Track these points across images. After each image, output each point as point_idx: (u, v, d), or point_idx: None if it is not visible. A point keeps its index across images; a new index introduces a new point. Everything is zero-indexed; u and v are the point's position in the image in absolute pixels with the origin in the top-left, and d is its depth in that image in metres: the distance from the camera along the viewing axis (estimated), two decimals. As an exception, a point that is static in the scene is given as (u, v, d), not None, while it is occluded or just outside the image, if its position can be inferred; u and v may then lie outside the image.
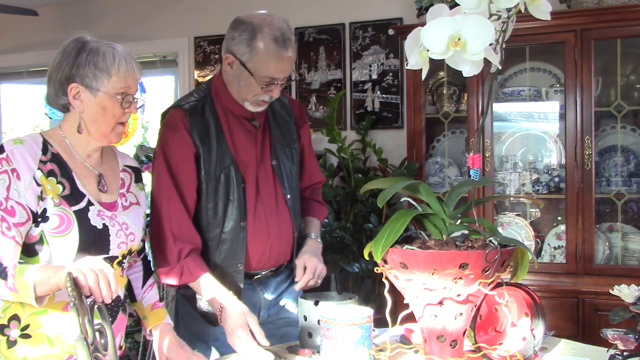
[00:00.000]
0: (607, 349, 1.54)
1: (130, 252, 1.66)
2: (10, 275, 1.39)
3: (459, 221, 1.47)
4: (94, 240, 1.55)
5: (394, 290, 1.47)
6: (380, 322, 1.68)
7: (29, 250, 1.53)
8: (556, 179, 3.08)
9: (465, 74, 1.21)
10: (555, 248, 3.06)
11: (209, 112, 1.90)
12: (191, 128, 1.85)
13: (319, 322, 1.58)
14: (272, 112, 2.00)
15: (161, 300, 1.81)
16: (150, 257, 1.87)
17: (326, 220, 3.16)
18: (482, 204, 2.94)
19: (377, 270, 1.47)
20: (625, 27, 2.82)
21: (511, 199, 3.20)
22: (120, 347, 1.71)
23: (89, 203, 1.57)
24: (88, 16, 4.50)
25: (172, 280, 1.83)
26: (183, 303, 2.02)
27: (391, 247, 1.36)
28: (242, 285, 1.90)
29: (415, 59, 1.26)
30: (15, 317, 1.53)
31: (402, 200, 1.58)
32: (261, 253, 1.92)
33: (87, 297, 1.33)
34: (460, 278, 1.32)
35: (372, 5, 3.73)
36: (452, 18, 1.18)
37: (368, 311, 1.51)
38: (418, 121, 3.18)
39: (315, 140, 3.00)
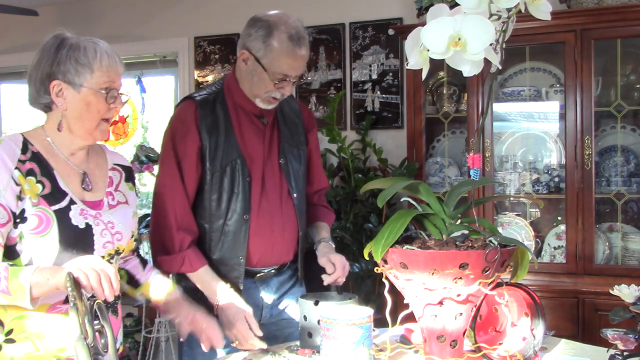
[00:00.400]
0: (607, 349, 1.54)
1: (118, 252, 1.62)
2: (2, 277, 1.37)
3: (459, 221, 1.47)
4: (75, 240, 1.51)
5: (394, 290, 1.47)
6: (380, 322, 1.68)
7: (9, 252, 1.49)
8: (556, 179, 3.08)
9: (465, 74, 1.21)
10: (555, 248, 3.06)
11: (219, 106, 1.93)
12: (200, 120, 1.89)
13: (319, 322, 1.58)
14: (281, 113, 2.03)
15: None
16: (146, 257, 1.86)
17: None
18: (482, 204, 2.94)
19: (377, 270, 1.47)
20: (625, 27, 2.81)
21: (511, 199, 3.20)
22: (117, 349, 1.68)
23: (71, 202, 1.54)
24: (88, 16, 4.50)
25: (170, 269, 1.87)
26: None
27: (391, 247, 1.36)
28: (241, 280, 1.91)
29: (416, 59, 1.26)
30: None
31: (402, 200, 1.58)
32: (264, 249, 1.93)
33: (89, 298, 1.33)
34: (460, 278, 1.32)
35: (372, 5, 3.73)
36: (452, 18, 1.18)
37: (368, 311, 1.51)
38: (418, 121, 3.18)
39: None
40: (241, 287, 1.91)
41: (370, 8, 3.73)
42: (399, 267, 1.37)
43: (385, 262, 1.41)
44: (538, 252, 3.11)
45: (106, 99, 1.55)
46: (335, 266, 1.91)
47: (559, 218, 3.12)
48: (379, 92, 3.71)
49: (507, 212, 3.23)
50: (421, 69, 1.28)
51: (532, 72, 3.22)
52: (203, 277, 1.87)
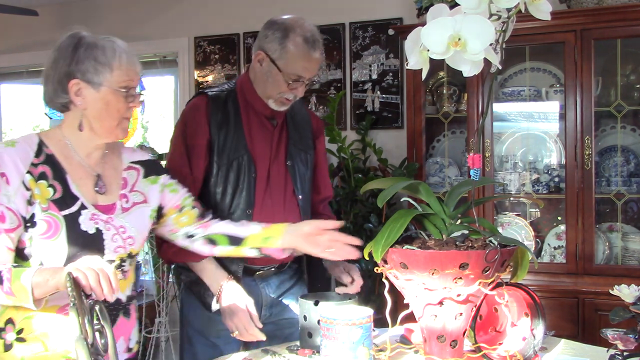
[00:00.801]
0: (607, 349, 1.54)
1: (130, 255, 1.61)
2: (5, 279, 1.38)
3: (459, 221, 1.47)
4: (84, 245, 1.51)
5: (394, 290, 1.47)
6: (380, 322, 1.68)
7: (21, 255, 1.50)
8: (556, 179, 3.08)
9: (465, 74, 1.21)
10: (555, 248, 3.06)
11: (231, 103, 1.97)
12: (211, 115, 1.92)
13: (319, 322, 1.58)
14: (291, 117, 2.06)
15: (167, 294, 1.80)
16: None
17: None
18: (482, 204, 2.94)
19: (377, 270, 1.47)
20: (625, 27, 2.81)
21: (511, 199, 3.20)
22: (130, 349, 1.68)
23: (82, 207, 1.53)
24: (88, 16, 4.50)
25: (174, 258, 1.90)
26: (187, 300, 2.04)
27: (391, 247, 1.36)
28: (240, 273, 1.92)
29: (415, 59, 1.26)
30: (10, 321, 1.51)
31: (402, 200, 1.58)
32: None
33: (87, 297, 1.33)
34: (460, 278, 1.32)
35: (372, 5, 3.73)
36: (452, 18, 1.18)
37: (368, 311, 1.51)
38: (418, 121, 3.18)
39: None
40: (240, 281, 1.91)
41: (370, 8, 3.73)
42: (399, 267, 1.37)
43: (385, 262, 1.41)
44: (538, 252, 3.11)
45: (125, 97, 1.55)
46: (353, 277, 1.94)
47: (559, 218, 3.12)
48: (379, 92, 3.71)
49: (507, 212, 3.23)
50: (421, 69, 1.28)
51: (532, 72, 3.22)
52: (206, 267, 1.88)
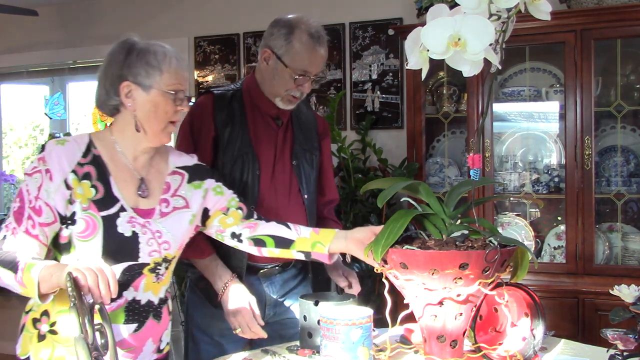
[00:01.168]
0: (607, 349, 1.54)
1: (166, 260, 1.63)
2: (20, 269, 1.41)
3: (459, 221, 1.47)
4: (119, 247, 1.54)
5: (394, 290, 1.47)
6: (380, 322, 1.68)
7: (62, 249, 1.56)
8: (556, 179, 3.08)
9: (465, 74, 1.21)
10: (555, 248, 3.06)
11: (236, 102, 1.99)
12: (216, 112, 1.96)
13: (319, 322, 1.58)
14: (297, 117, 2.08)
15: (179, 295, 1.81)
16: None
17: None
18: (482, 204, 2.94)
19: (377, 270, 1.47)
20: (625, 27, 2.81)
21: (511, 199, 3.20)
22: (160, 350, 1.70)
23: (121, 209, 1.56)
24: (88, 16, 4.51)
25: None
26: (192, 299, 2.05)
27: (391, 247, 1.36)
28: (243, 270, 1.93)
29: (415, 59, 1.26)
30: (46, 313, 1.56)
31: (402, 200, 1.58)
32: None
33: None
34: (460, 278, 1.32)
35: (372, 5, 3.73)
36: (452, 18, 1.17)
37: (368, 311, 1.51)
38: (418, 121, 3.18)
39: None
40: (243, 279, 1.92)
41: (370, 8, 3.73)
42: (399, 267, 1.37)
43: (385, 262, 1.41)
44: (538, 252, 3.11)
45: (174, 100, 1.58)
46: (350, 282, 1.96)
47: (559, 218, 3.12)
48: (379, 92, 3.71)
49: (507, 212, 3.23)
50: (421, 69, 1.28)
51: (532, 72, 3.22)
52: (210, 265, 1.89)
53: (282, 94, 1.94)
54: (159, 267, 1.62)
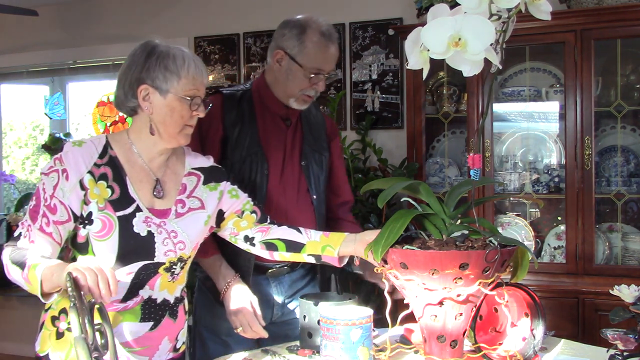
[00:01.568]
0: (607, 349, 1.54)
1: (181, 259, 1.65)
2: (27, 266, 1.43)
3: (459, 221, 1.47)
4: (135, 247, 1.56)
5: (393, 290, 1.47)
6: (380, 322, 1.68)
7: (80, 248, 1.58)
8: (556, 179, 3.08)
9: (465, 74, 1.21)
10: (555, 248, 3.06)
11: (245, 103, 2.01)
12: (225, 112, 1.97)
13: (319, 322, 1.58)
14: (306, 118, 2.09)
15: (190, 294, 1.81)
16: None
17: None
18: (482, 204, 2.94)
19: (377, 270, 1.47)
20: (625, 27, 2.81)
21: (511, 199, 3.20)
22: (176, 349, 1.72)
23: (137, 209, 1.58)
24: (88, 16, 4.50)
25: None
26: (200, 299, 2.05)
27: (391, 247, 1.36)
28: (250, 270, 1.94)
29: (415, 59, 1.26)
30: (64, 311, 1.57)
31: (402, 200, 1.58)
32: None
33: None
34: (460, 278, 1.32)
35: (372, 5, 3.73)
36: (453, 18, 1.17)
37: (368, 311, 1.51)
38: (418, 121, 3.18)
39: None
40: (250, 278, 1.93)
41: (370, 8, 3.73)
42: (399, 267, 1.37)
43: (385, 262, 1.41)
44: (538, 252, 3.11)
45: (190, 105, 1.60)
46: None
47: (559, 218, 3.12)
48: (379, 92, 3.71)
49: (507, 212, 3.23)
50: (421, 69, 1.28)
51: (532, 72, 3.22)
52: (214, 264, 1.90)
53: (296, 94, 1.96)
54: (174, 267, 1.64)
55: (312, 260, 1.72)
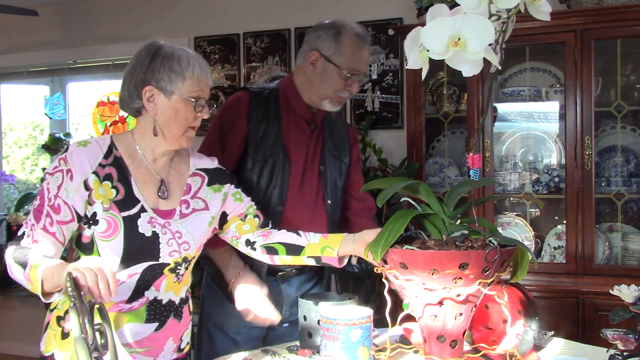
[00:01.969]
0: (607, 349, 1.54)
1: (186, 260, 1.65)
2: (28, 266, 1.43)
3: (459, 221, 1.47)
4: (140, 247, 1.56)
5: (393, 290, 1.47)
6: (380, 322, 1.68)
7: (85, 249, 1.58)
8: (556, 179, 3.08)
9: (465, 74, 1.21)
10: (555, 248, 3.06)
11: (272, 103, 2.01)
12: (251, 110, 1.97)
13: (319, 322, 1.58)
14: (329, 124, 2.10)
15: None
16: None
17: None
18: (482, 204, 2.94)
19: (377, 270, 1.47)
20: (625, 27, 2.81)
21: (511, 199, 3.20)
22: (180, 350, 1.72)
23: (142, 209, 1.58)
24: (88, 16, 4.50)
25: None
26: (209, 295, 2.06)
27: (391, 247, 1.36)
28: (265, 272, 1.95)
29: (415, 59, 1.26)
30: (69, 311, 1.55)
31: (402, 200, 1.58)
32: None
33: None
34: (460, 278, 1.32)
35: (372, 5, 3.73)
36: (452, 18, 1.17)
37: (368, 311, 1.51)
38: (418, 121, 3.18)
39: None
40: (263, 276, 1.94)
41: (370, 8, 3.73)
42: (398, 267, 1.37)
43: (385, 262, 1.41)
44: (538, 252, 3.10)
45: (194, 107, 1.60)
46: None
47: (559, 218, 3.12)
48: (379, 92, 3.71)
49: (507, 212, 3.23)
50: (421, 69, 1.28)
51: (532, 72, 3.22)
52: (225, 255, 1.92)
53: (330, 95, 1.97)
54: (179, 267, 1.64)
55: (313, 262, 1.72)
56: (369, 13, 3.73)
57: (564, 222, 2.92)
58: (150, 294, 1.61)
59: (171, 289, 1.64)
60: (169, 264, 1.61)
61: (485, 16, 1.17)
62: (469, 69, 1.20)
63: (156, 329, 1.63)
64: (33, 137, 5.51)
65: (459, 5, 1.20)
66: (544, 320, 1.64)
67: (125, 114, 4.34)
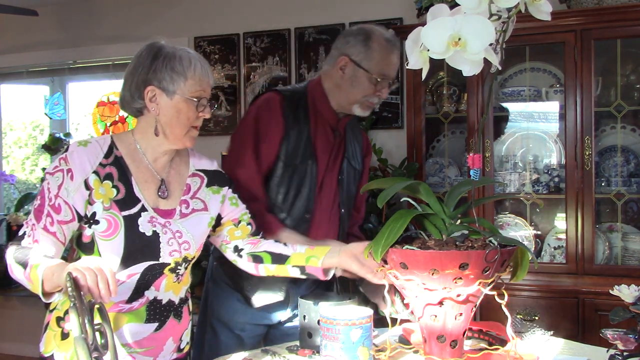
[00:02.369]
0: (607, 349, 1.54)
1: (186, 259, 1.65)
2: (29, 266, 1.43)
3: (459, 221, 1.47)
4: (140, 246, 1.56)
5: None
6: (380, 322, 1.68)
7: (85, 248, 1.58)
8: (556, 179, 3.08)
9: (465, 74, 1.21)
10: (555, 248, 3.06)
11: (301, 106, 1.99)
12: (285, 112, 1.95)
13: (319, 322, 1.58)
14: (351, 132, 2.11)
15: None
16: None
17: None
18: (482, 204, 2.94)
19: (377, 270, 1.47)
20: (625, 27, 2.81)
21: (511, 199, 3.20)
22: (180, 350, 1.72)
23: (142, 209, 1.59)
24: (88, 16, 4.51)
25: None
26: (214, 291, 2.06)
27: (391, 247, 1.36)
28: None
29: (415, 59, 1.26)
30: (68, 312, 1.56)
31: (402, 200, 1.57)
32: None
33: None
34: (460, 278, 1.32)
35: (372, 5, 3.73)
36: (452, 18, 1.17)
37: (368, 311, 1.51)
38: (418, 121, 3.18)
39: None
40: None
41: (370, 8, 3.73)
42: (399, 267, 1.37)
43: (385, 262, 1.41)
44: (538, 252, 3.10)
45: (196, 107, 1.60)
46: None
47: (559, 218, 3.12)
48: (379, 92, 3.70)
49: (507, 212, 3.23)
50: (421, 69, 1.28)
51: (532, 72, 3.22)
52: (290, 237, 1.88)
53: (360, 100, 1.98)
54: (179, 267, 1.64)
55: (297, 272, 1.72)
56: (369, 13, 3.73)
57: (564, 222, 2.92)
58: (150, 294, 1.61)
59: (171, 288, 1.65)
60: (169, 264, 1.61)
61: (485, 16, 1.17)
62: (469, 68, 1.20)
63: (156, 329, 1.63)
64: (33, 137, 5.51)
65: (459, 5, 1.20)
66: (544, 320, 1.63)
67: (126, 114, 4.36)
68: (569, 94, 2.88)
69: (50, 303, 1.56)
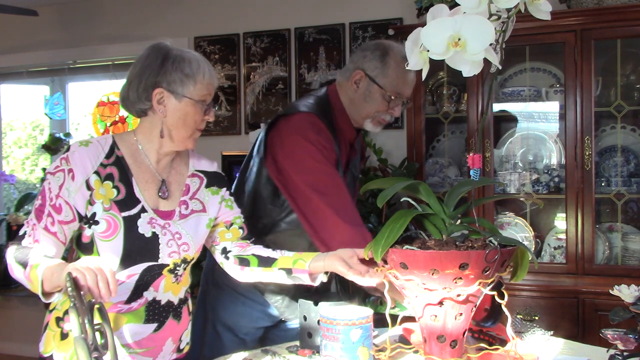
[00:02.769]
0: (607, 349, 1.54)
1: (185, 261, 1.65)
2: (29, 266, 1.43)
3: (459, 221, 1.47)
4: (139, 247, 1.57)
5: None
6: (380, 322, 1.68)
7: (85, 249, 1.58)
8: (556, 179, 3.08)
9: (465, 74, 1.21)
10: (555, 248, 3.06)
11: (330, 127, 1.94)
12: (330, 133, 1.92)
13: (319, 322, 1.58)
14: (360, 147, 2.11)
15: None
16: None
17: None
18: (482, 204, 2.94)
19: (377, 270, 1.47)
20: (625, 27, 2.82)
21: (511, 199, 3.20)
22: (180, 350, 1.73)
23: (142, 210, 1.59)
24: (88, 16, 4.51)
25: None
26: (217, 296, 2.06)
27: (391, 247, 1.36)
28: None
29: (415, 59, 1.26)
30: (68, 312, 1.56)
31: (402, 200, 1.57)
32: None
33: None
34: (460, 278, 1.32)
35: (372, 5, 3.73)
36: (452, 18, 1.17)
37: (368, 311, 1.51)
38: (418, 121, 3.18)
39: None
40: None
41: (370, 8, 3.73)
42: (399, 267, 1.37)
43: (385, 262, 1.41)
44: (538, 252, 3.11)
45: (202, 110, 1.61)
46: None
47: (559, 218, 3.12)
48: (379, 92, 3.70)
49: (507, 212, 3.23)
50: (421, 70, 1.28)
51: (532, 72, 3.23)
52: None
53: (372, 115, 1.96)
54: (178, 268, 1.64)
55: (283, 275, 1.70)
56: (369, 13, 3.73)
57: (564, 222, 2.92)
58: (149, 295, 1.61)
59: (170, 289, 1.65)
60: (168, 265, 1.61)
61: (485, 16, 1.17)
62: (469, 69, 1.20)
63: (155, 330, 1.63)
64: (33, 137, 5.51)
65: (459, 5, 1.20)
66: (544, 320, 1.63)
67: (126, 114, 4.37)
68: (569, 94, 2.88)
69: (49, 303, 1.56)
